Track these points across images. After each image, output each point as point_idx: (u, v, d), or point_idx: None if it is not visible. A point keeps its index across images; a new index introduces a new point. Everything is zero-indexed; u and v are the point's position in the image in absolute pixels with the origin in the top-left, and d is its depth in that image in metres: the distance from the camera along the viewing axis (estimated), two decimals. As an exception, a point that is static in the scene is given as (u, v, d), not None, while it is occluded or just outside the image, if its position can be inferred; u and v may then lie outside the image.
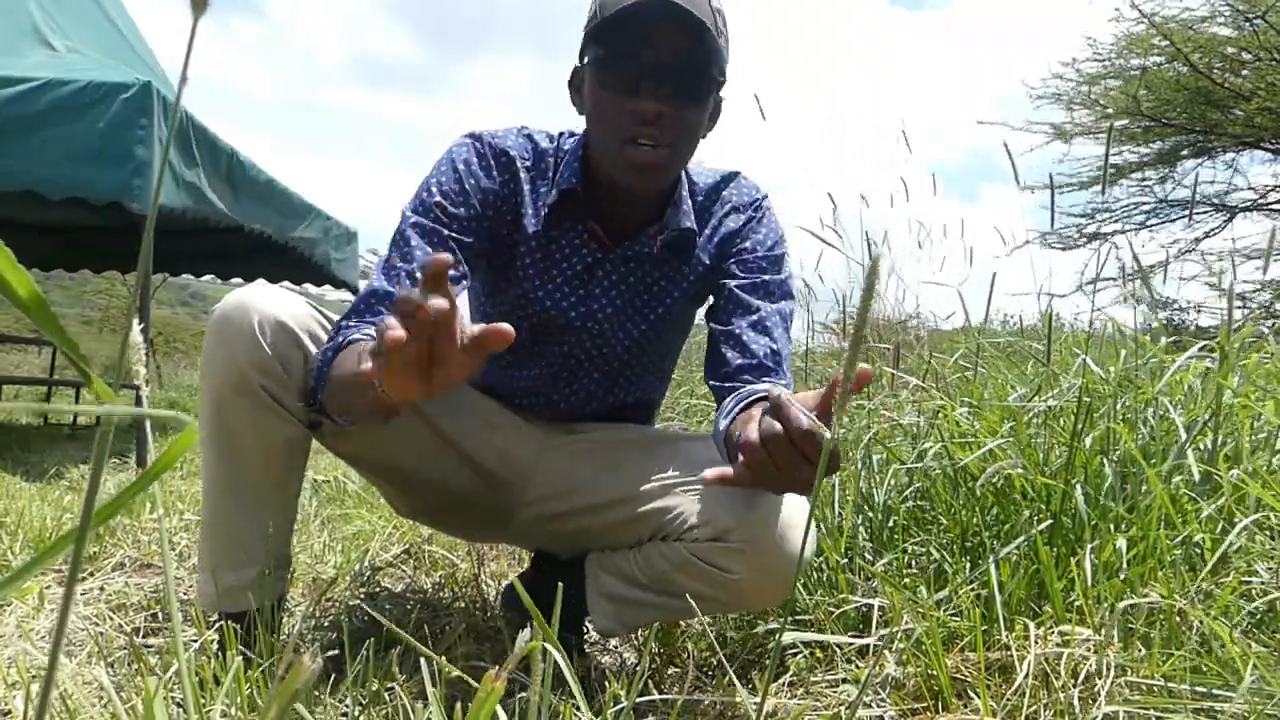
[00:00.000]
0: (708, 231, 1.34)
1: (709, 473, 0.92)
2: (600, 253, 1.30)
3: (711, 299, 1.37)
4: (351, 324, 1.15)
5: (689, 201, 1.32)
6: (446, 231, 1.22)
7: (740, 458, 0.90)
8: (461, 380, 0.85)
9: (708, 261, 1.34)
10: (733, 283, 1.30)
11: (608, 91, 1.18)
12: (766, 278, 1.31)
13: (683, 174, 1.32)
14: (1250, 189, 8.90)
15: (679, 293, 1.35)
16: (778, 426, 0.85)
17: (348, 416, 1.10)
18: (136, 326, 0.42)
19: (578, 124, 1.32)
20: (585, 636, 1.48)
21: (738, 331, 1.26)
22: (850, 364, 0.50)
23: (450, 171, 1.25)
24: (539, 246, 1.29)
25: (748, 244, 1.33)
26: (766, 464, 0.86)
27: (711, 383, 1.27)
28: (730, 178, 1.37)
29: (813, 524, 1.16)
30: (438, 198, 1.23)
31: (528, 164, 1.29)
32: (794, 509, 1.15)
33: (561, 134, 1.33)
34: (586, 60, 1.21)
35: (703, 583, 1.17)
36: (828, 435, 0.81)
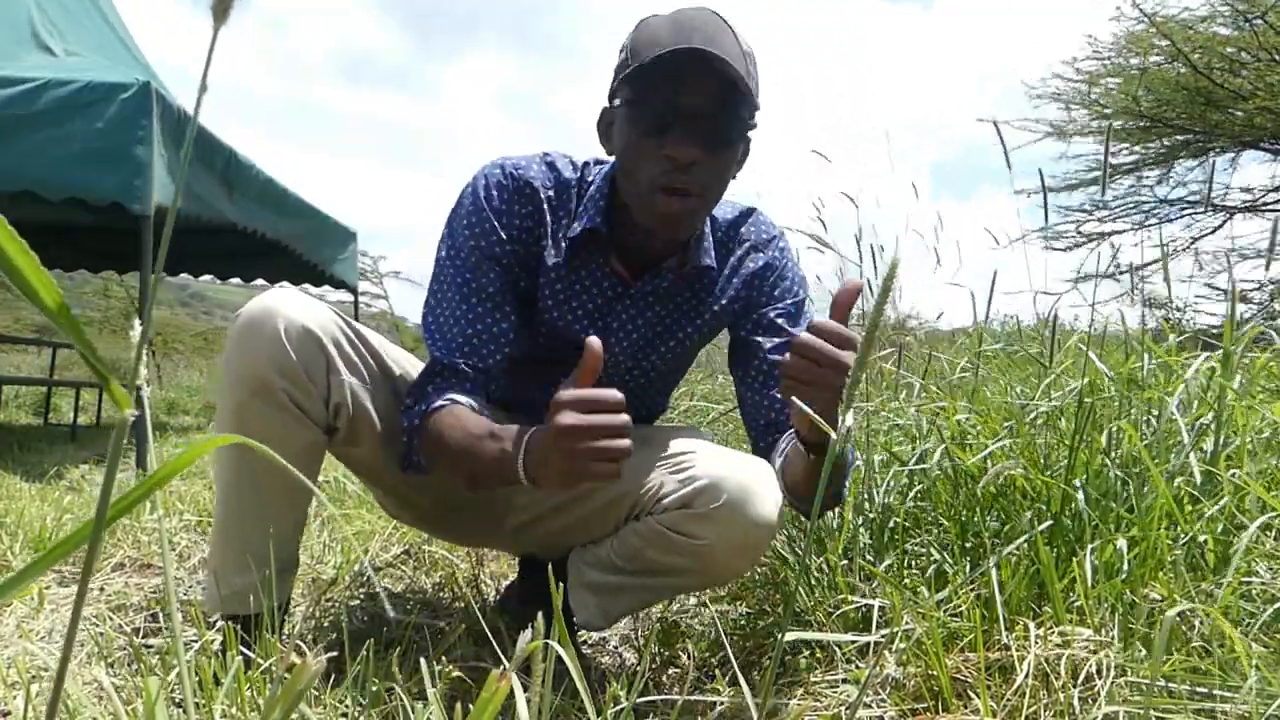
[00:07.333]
0: (727, 271, 1.34)
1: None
2: (620, 286, 1.31)
3: (730, 338, 1.39)
4: (429, 391, 1.22)
5: (710, 238, 1.32)
6: (484, 281, 1.24)
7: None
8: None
9: (725, 301, 1.35)
10: (765, 342, 1.32)
11: (641, 137, 1.16)
12: (795, 330, 1.33)
13: None
14: (1248, 189, 8.91)
15: (693, 329, 1.36)
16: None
17: (478, 484, 1.17)
18: (139, 328, 0.43)
19: (594, 149, 1.32)
20: (583, 639, 1.48)
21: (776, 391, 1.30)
22: (860, 365, 0.50)
23: (478, 211, 1.26)
24: (559, 279, 1.29)
25: (776, 292, 1.34)
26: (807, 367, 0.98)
27: (753, 429, 1.35)
28: (748, 214, 1.38)
29: (778, 489, 1.19)
30: (472, 241, 1.25)
31: (550, 194, 1.28)
32: (760, 474, 1.18)
33: (587, 163, 1.32)
34: (618, 103, 1.20)
35: (674, 554, 1.19)
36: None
